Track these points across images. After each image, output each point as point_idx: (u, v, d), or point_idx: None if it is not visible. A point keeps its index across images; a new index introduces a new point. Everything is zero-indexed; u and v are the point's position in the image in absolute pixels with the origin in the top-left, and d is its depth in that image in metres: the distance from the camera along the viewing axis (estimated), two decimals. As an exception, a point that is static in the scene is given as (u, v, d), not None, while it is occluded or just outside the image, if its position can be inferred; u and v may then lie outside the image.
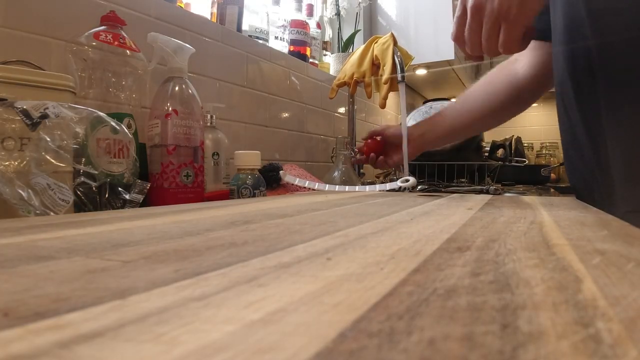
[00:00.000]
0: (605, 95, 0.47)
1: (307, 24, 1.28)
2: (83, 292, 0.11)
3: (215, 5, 1.02)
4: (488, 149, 1.33)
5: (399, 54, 1.13)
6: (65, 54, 0.59)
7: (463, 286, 0.12)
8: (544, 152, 2.37)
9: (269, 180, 0.76)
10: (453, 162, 1.14)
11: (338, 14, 1.56)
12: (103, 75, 0.58)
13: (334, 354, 0.07)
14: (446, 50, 1.61)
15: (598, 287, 0.12)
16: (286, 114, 1.16)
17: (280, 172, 0.79)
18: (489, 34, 0.45)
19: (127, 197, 0.47)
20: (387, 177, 1.33)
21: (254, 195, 0.62)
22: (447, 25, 1.64)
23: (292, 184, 0.78)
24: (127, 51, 0.59)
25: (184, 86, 0.60)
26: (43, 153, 0.38)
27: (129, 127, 0.56)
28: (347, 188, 0.74)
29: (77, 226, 0.25)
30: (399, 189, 0.74)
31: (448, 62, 1.65)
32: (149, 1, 0.75)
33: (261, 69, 1.06)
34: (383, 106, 1.13)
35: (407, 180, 0.72)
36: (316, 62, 1.36)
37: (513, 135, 1.70)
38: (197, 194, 0.61)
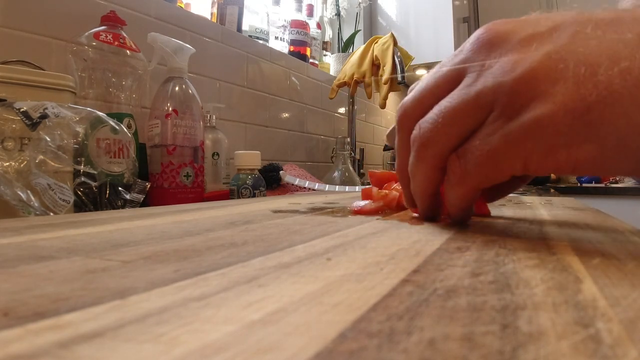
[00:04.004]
0: None
1: (307, 24, 1.28)
2: (83, 292, 0.11)
3: (215, 5, 1.02)
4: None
5: (399, 54, 1.13)
6: (65, 54, 0.59)
7: (463, 286, 0.12)
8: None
9: (269, 180, 0.76)
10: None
11: (338, 14, 1.56)
12: (103, 75, 0.58)
13: (334, 354, 0.07)
14: (446, 50, 1.61)
15: (598, 288, 0.12)
16: (286, 114, 1.16)
17: (280, 172, 0.79)
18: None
19: (127, 197, 0.47)
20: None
21: (254, 196, 0.62)
22: (447, 25, 1.64)
23: (292, 184, 0.78)
24: (127, 51, 0.59)
25: (184, 86, 0.60)
26: (43, 153, 0.38)
27: (129, 127, 0.56)
28: (347, 188, 0.74)
29: (77, 226, 0.25)
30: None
31: (448, 62, 1.65)
32: (149, 1, 0.75)
33: (261, 69, 1.06)
34: (383, 106, 1.13)
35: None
36: (316, 62, 1.36)
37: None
38: (197, 194, 0.61)
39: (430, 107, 0.23)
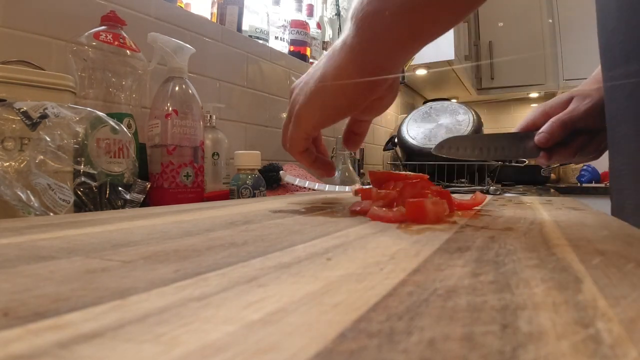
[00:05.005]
0: None
1: (307, 24, 1.28)
2: (83, 292, 0.11)
3: (215, 5, 1.02)
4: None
5: (399, 54, 1.13)
6: (65, 54, 0.59)
7: (463, 286, 0.12)
8: (544, 152, 2.36)
9: (269, 180, 0.76)
10: (453, 162, 1.14)
11: (338, 14, 1.56)
12: (103, 75, 0.58)
13: (334, 354, 0.07)
14: (446, 50, 1.61)
15: (598, 288, 0.12)
16: (286, 114, 1.16)
17: (280, 172, 0.79)
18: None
19: (127, 197, 0.47)
20: (387, 177, 1.33)
21: (254, 195, 0.62)
22: (447, 25, 1.64)
23: (292, 184, 0.78)
24: (127, 51, 0.59)
25: (184, 86, 0.60)
26: (43, 153, 0.38)
27: (129, 127, 0.56)
28: (347, 188, 0.74)
29: (77, 226, 0.25)
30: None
31: (448, 62, 1.65)
32: (149, 1, 0.75)
33: (261, 69, 1.06)
34: (383, 106, 1.13)
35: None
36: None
37: (513, 136, 1.70)
38: (197, 194, 0.61)
39: None
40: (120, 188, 0.47)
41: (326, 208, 0.37)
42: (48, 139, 0.39)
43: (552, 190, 1.28)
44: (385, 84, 0.33)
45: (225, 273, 0.13)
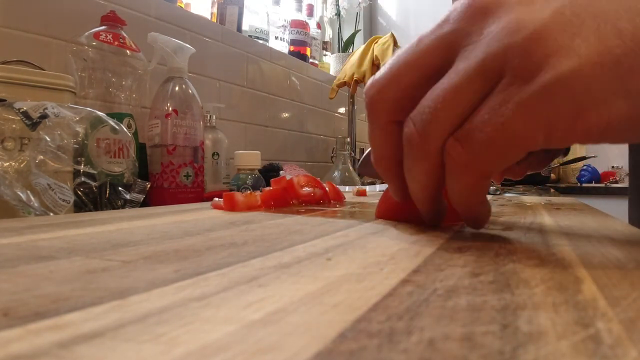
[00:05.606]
0: None
1: (307, 24, 1.28)
2: (83, 292, 0.11)
3: (215, 5, 1.02)
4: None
5: (399, 54, 1.13)
6: (65, 54, 0.59)
7: (463, 286, 0.12)
8: (544, 152, 2.36)
9: (269, 180, 0.76)
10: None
11: (338, 14, 1.56)
12: (103, 75, 0.58)
13: (334, 354, 0.07)
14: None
15: (598, 288, 0.12)
16: (286, 114, 1.16)
17: (280, 172, 0.79)
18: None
19: (127, 197, 0.47)
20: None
21: (254, 196, 0.62)
22: (447, 25, 1.65)
23: (292, 184, 0.78)
24: (127, 51, 0.59)
25: (184, 86, 0.60)
26: (43, 153, 0.38)
27: (129, 127, 0.56)
28: (347, 188, 0.74)
29: (77, 226, 0.25)
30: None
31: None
32: (149, 1, 0.75)
33: (261, 69, 1.06)
34: (383, 106, 1.12)
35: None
36: (316, 62, 1.36)
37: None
38: (197, 194, 0.61)
39: (410, 86, 0.19)
40: (120, 188, 0.47)
41: (326, 208, 0.37)
42: (48, 139, 0.39)
43: (552, 190, 1.28)
44: None
45: (225, 273, 0.13)
